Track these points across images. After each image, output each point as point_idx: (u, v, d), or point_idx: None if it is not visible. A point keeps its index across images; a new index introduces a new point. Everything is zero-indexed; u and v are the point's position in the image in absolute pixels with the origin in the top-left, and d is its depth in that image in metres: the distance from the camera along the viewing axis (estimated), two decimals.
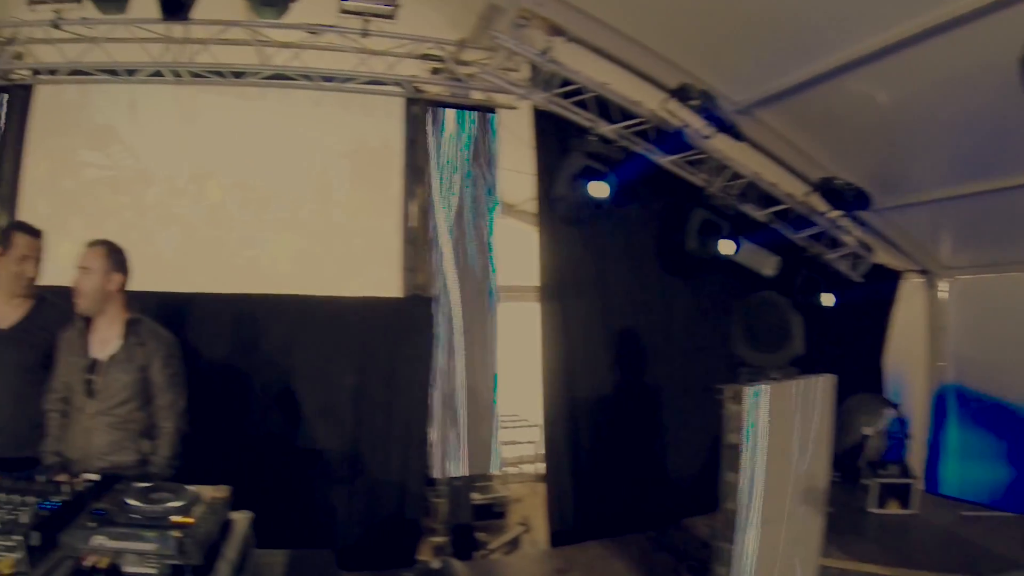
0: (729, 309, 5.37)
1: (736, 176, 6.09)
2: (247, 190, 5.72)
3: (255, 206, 5.71)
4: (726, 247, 5.99)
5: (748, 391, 3.85)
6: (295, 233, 5.73)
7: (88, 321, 3.34)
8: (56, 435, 3.32)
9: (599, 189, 5.39)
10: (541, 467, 8.79)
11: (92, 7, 4.89)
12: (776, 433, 3.98)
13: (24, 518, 2.38)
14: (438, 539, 6.07)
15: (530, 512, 7.28)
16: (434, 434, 5.69)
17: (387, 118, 5.83)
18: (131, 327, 3.35)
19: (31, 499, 2.52)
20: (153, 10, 4.91)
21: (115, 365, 3.28)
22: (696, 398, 6.03)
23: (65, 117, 5.58)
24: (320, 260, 5.74)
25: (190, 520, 2.56)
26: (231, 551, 2.82)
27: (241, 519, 3.06)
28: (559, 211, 5.58)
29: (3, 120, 5.47)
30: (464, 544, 6.04)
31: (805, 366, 4.55)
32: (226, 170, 5.70)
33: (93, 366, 3.28)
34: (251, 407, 5.28)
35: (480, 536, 6.58)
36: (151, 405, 3.35)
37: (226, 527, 2.92)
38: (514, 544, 6.86)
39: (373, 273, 5.76)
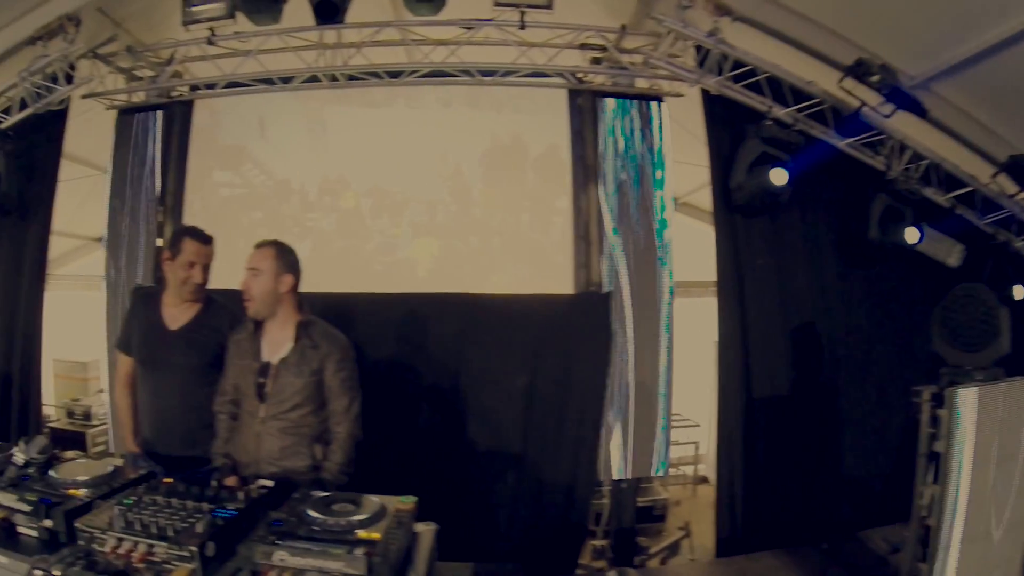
0: (911, 303, 4.94)
1: (917, 158, 5.60)
2: (381, 197, 5.69)
3: (390, 212, 5.68)
4: (911, 235, 5.50)
5: (954, 394, 3.45)
6: (434, 235, 5.70)
7: (259, 324, 3.27)
8: (225, 437, 3.32)
9: (779, 176, 5.02)
10: (702, 469, 8.52)
11: (245, 22, 4.94)
12: (982, 441, 3.56)
13: (199, 527, 2.26)
14: (598, 543, 5.91)
15: (690, 516, 6.98)
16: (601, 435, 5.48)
17: (542, 112, 5.67)
18: (303, 329, 3.23)
19: (205, 506, 2.42)
20: (305, 18, 4.87)
21: (287, 368, 3.18)
22: (877, 399, 5.71)
23: (197, 139, 5.74)
24: (474, 260, 5.69)
25: (377, 535, 2.34)
26: (419, 568, 2.55)
27: (426, 532, 2.76)
28: (737, 201, 5.23)
29: (158, 136, 5.74)
30: (624, 549, 5.83)
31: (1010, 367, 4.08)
32: (358, 179, 5.72)
33: (264, 369, 3.21)
34: (418, 410, 5.20)
35: (639, 540, 6.34)
36: (324, 409, 3.24)
37: (413, 541, 2.66)
38: (673, 550, 6.60)
39: (542, 271, 5.62)
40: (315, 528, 2.37)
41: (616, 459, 5.56)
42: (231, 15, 4.86)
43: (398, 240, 5.69)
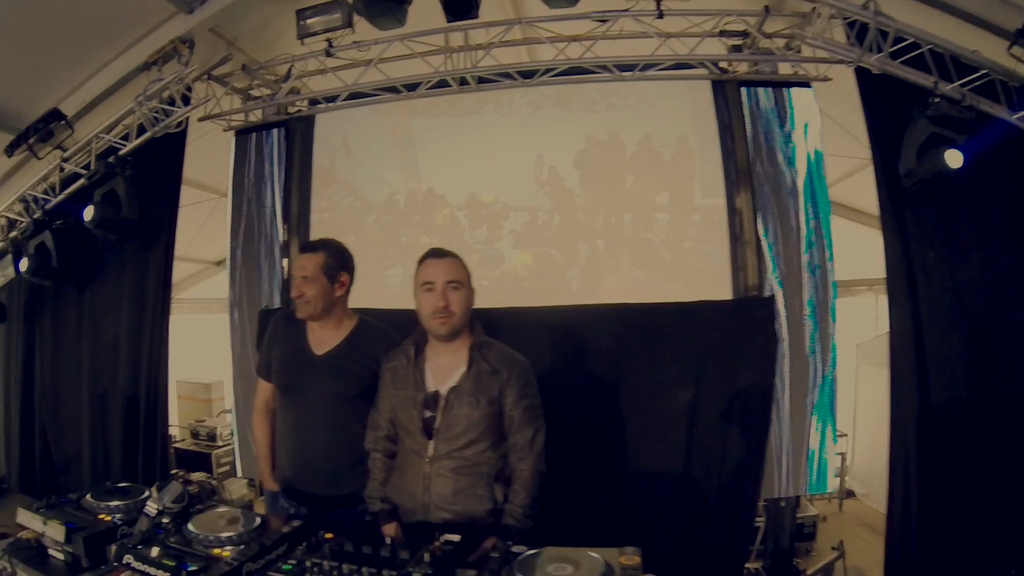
0: None
1: None
2: (477, 208, 5.48)
3: (489, 223, 5.47)
4: None
5: None
6: (538, 244, 5.47)
7: (420, 348, 2.85)
8: (381, 478, 2.92)
9: (955, 158, 4.54)
10: (849, 482, 7.98)
11: (363, 31, 4.76)
12: None
13: None
14: (752, 565, 5.59)
15: (841, 534, 6.45)
16: None
17: (639, 107, 5.39)
18: (479, 352, 2.77)
19: (386, 573, 2.04)
20: (427, 20, 4.73)
21: (460, 398, 2.72)
22: None
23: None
24: (588, 266, 5.42)
25: None
26: None
27: None
28: (907, 189, 4.75)
29: (275, 154, 5.68)
30: (781, 571, 5.44)
31: None
32: (452, 191, 5.52)
33: (432, 401, 2.75)
34: (573, 430, 4.74)
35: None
36: (504, 443, 2.79)
37: None
38: (827, 572, 6.10)
39: (697, 276, 5.26)
40: None
41: (777, 475, 5.13)
42: (348, 24, 4.69)
43: (500, 251, 5.46)
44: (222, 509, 2.77)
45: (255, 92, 5.66)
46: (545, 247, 5.47)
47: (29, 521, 2.75)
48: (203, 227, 7.96)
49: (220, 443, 7.66)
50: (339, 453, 3.06)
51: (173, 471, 6.71)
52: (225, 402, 8.10)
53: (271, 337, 3.33)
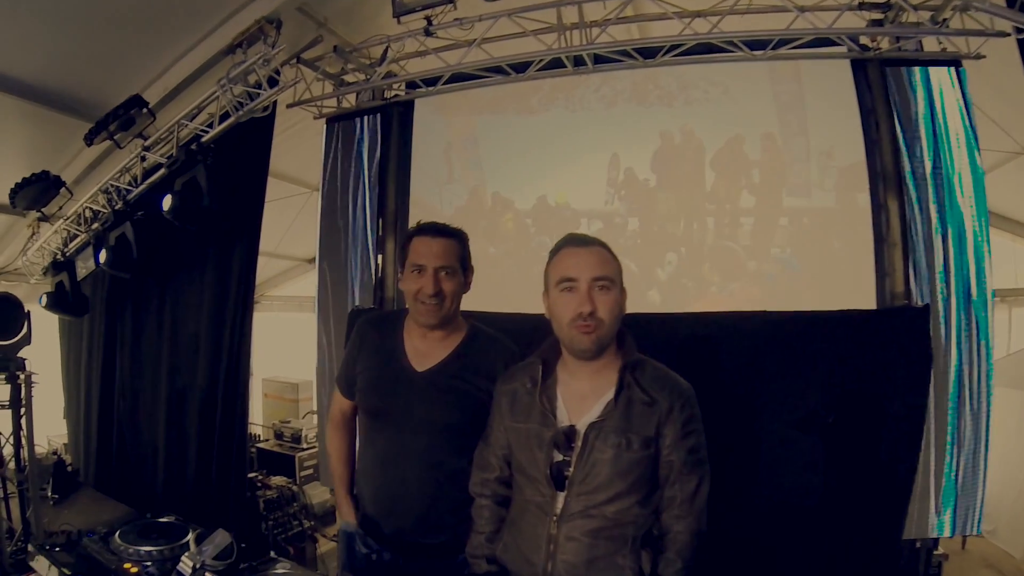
0: None
1: None
2: (547, 213, 5.00)
3: (558, 230, 4.90)
4: None
5: None
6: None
7: (549, 367, 2.17)
8: (489, 531, 2.28)
9: None
10: None
11: (465, 7, 4.34)
12: None
13: None
14: None
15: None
16: None
17: (764, 98, 4.71)
18: (631, 374, 2.08)
19: None
20: None
21: (604, 437, 2.03)
22: None
23: None
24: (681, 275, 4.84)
25: None
26: None
27: None
28: None
29: (371, 141, 5.31)
30: None
31: None
32: (520, 196, 5.03)
33: (565, 439, 2.05)
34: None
35: None
36: (655, 496, 2.08)
37: None
38: None
39: (833, 282, 4.63)
40: None
41: (925, 511, 4.51)
42: (449, 0, 4.24)
43: None
44: (281, 571, 2.26)
45: (348, 77, 5.29)
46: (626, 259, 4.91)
47: (40, 565, 2.35)
48: (294, 223, 7.73)
49: (304, 445, 7.34)
50: (435, 493, 2.45)
51: (252, 474, 6.48)
52: (312, 403, 7.83)
53: (356, 346, 2.65)
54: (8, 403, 4.86)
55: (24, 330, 4.94)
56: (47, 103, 5.41)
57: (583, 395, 2.10)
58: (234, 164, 4.94)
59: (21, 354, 4.91)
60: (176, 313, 5.68)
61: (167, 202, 4.72)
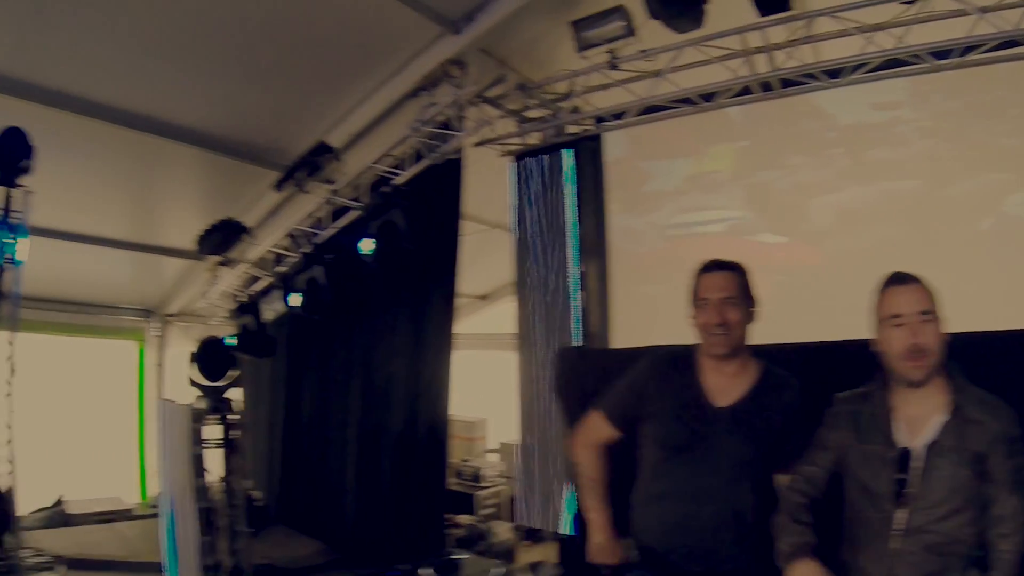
0: None
1: None
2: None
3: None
4: None
5: None
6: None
7: (883, 395, 2.57)
8: (790, 552, 2.61)
9: None
10: None
11: (648, 38, 4.94)
12: None
13: None
14: None
15: None
16: None
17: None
18: (961, 397, 2.46)
19: None
20: (724, 22, 4.85)
21: (941, 456, 2.37)
22: None
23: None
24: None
25: None
26: None
27: None
28: None
29: (562, 177, 5.87)
30: None
31: None
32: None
33: (903, 459, 2.41)
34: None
35: None
36: (984, 515, 2.38)
37: None
38: None
39: None
40: None
41: None
42: (630, 32, 4.89)
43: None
44: None
45: (530, 113, 5.91)
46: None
47: None
48: (469, 260, 8.53)
49: (485, 484, 7.92)
50: (727, 526, 2.75)
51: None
52: (487, 441, 8.58)
53: (643, 381, 2.98)
54: (219, 442, 5.74)
55: (233, 372, 5.79)
56: (227, 152, 6.46)
57: (916, 418, 2.46)
58: (427, 206, 5.66)
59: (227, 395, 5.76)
60: (368, 354, 6.39)
61: (366, 245, 5.49)
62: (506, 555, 7.12)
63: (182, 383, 8.54)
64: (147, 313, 9.70)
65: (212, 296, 7.72)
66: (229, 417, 5.80)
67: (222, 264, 7.25)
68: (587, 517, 3.03)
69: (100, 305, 9.29)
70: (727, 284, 2.83)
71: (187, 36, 5.13)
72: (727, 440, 2.77)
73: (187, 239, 7.45)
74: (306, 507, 7.18)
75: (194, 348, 5.78)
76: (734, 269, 2.86)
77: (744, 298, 2.83)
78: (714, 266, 2.89)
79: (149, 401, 9.68)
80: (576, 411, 4.98)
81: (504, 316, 8.40)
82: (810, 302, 4.95)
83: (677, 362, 2.96)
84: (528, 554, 6.63)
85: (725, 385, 2.85)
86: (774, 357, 2.95)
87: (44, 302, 7.78)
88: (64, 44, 5.01)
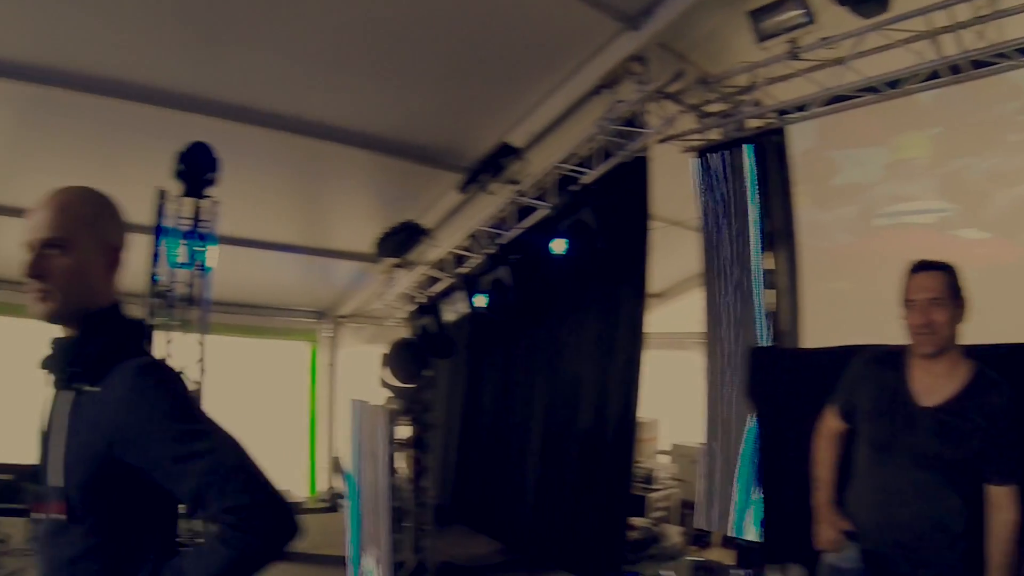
0: None
1: None
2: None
3: None
4: None
5: None
6: None
7: None
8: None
9: None
10: None
11: (829, 24, 5.00)
12: None
13: None
14: None
15: None
16: None
17: None
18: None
19: None
20: (906, 2, 4.80)
21: None
22: None
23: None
24: None
25: None
26: None
27: None
28: None
29: (746, 172, 5.91)
30: None
31: None
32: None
33: None
34: None
35: None
36: None
37: None
38: None
39: None
40: None
41: None
42: (810, 20, 4.96)
43: None
44: None
45: (711, 108, 6.05)
46: None
47: None
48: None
49: (657, 486, 7.87)
50: (929, 530, 2.83)
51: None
52: (658, 442, 8.68)
53: (857, 378, 3.16)
54: (409, 442, 6.09)
55: (427, 373, 6.15)
56: (401, 155, 6.84)
57: None
58: (615, 204, 5.88)
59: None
60: (554, 354, 6.59)
61: (558, 245, 5.76)
62: (675, 558, 7.17)
63: (355, 382, 9.12)
64: (319, 315, 10.32)
65: (388, 298, 8.09)
66: (423, 418, 6.16)
67: (398, 266, 7.61)
68: (817, 509, 3.20)
69: (276, 308, 10.00)
70: (933, 285, 2.90)
71: (359, 43, 5.49)
72: (929, 441, 2.83)
73: (360, 242, 7.97)
74: (483, 506, 7.49)
75: (384, 349, 6.06)
76: (942, 269, 2.93)
77: (952, 298, 2.88)
78: (921, 267, 2.98)
79: (321, 400, 10.37)
80: (769, 413, 5.16)
81: (677, 315, 8.57)
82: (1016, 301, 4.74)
83: (887, 361, 3.08)
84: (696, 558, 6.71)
85: (932, 385, 2.91)
86: (987, 358, 2.96)
87: (226, 306, 8.26)
88: (241, 60, 5.46)
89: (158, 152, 5.19)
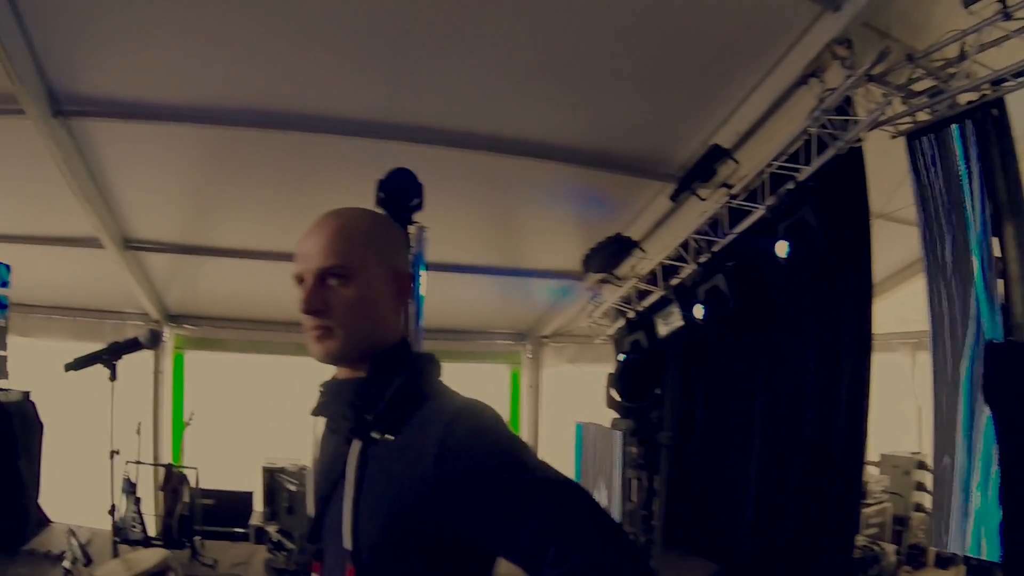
0: None
1: None
2: None
3: None
4: None
5: None
6: None
7: None
8: None
9: None
10: None
11: None
12: None
13: None
14: None
15: None
16: None
17: None
18: None
19: None
20: None
21: None
22: None
23: None
24: None
25: None
26: None
27: None
28: None
29: (964, 152, 5.53)
30: None
31: None
32: None
33: None
34: None
35: None
36: None
37: None
38: None
39: None
40: None
41: None
42: None
43: None
44: None
45: (918, 86, 5.73)
46: None
47: None
48: None
49: (870, 500, 7.55)
50: None
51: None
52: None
53: None
54: (640, 463, 6.29)
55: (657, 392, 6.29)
56: (605, 167, 6.83)
57: None
58: (833, 200, 5.69)
59: None
60: (775, 362, 6.40)
61: (781, 248, 5.63)
62: None
63: (558, 403, 9.21)
64: (521, 336, 10.47)
65: (594, 315, 8.11)
66: (654, 438, 6.18)
67: (605, 281, 7.62)
68: None
69: (476, 331, 10.23)
70: None
71: (552, 54, 5.50)
72: None
73: (561, 259, 7.98)
74: (697, 527, 7.31)
75: (588, 368, 6.08)
76: None
77: None
78: None
79: (524, 422, 10.53)
80: (1010, 416, 4.85)
81: (879, 314, 8.21)
82: None
83: None
84: None
85: None
86: None
87: (430, 332, 8.45)
88: (431, 83, 5.63)
89: (358, 183, 5.33)
